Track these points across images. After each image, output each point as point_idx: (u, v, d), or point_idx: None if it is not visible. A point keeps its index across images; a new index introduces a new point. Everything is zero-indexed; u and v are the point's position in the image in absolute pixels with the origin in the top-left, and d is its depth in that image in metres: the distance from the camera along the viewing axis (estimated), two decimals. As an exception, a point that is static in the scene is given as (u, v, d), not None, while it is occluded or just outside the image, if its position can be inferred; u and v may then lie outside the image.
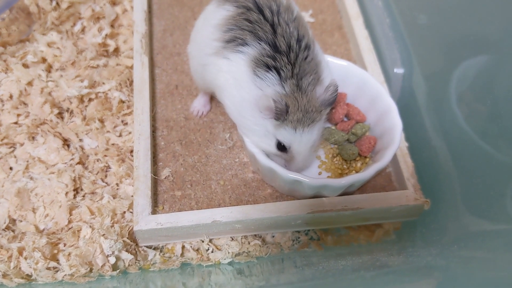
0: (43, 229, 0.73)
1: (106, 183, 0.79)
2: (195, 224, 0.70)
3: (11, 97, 0.85)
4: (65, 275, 0.67)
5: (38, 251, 0.67)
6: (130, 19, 0.95)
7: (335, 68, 0.81)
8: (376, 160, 0.74)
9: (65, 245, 0.70)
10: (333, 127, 0.80)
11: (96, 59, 0.89)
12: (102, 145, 0.81)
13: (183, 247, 0.74)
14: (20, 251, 0.68)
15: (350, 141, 0.78)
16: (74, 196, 0.76)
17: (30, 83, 0.86)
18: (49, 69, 0.89)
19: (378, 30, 0.97)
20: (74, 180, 0.77)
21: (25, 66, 0.88)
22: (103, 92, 0.86)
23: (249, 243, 0.74)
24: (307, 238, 0.77)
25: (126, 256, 0.69)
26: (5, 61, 0.89)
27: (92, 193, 0.77)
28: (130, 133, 0.83)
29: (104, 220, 0.71)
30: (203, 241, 0.74)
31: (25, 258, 0.68)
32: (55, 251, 0.69)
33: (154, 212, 0.72)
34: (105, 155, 0.80)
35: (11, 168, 0.80)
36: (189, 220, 0.71)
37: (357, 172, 0.76)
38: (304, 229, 0.77)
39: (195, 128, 0.83)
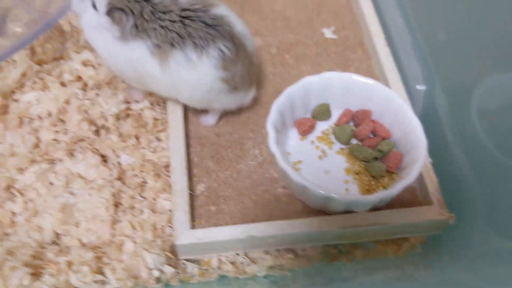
0: (86, 243, 0.77)
1: (143, 197, 0.82)
2: (231, 239, 0.74)
3: (49, 114, 0.89)
4: (112, 288, 0.71)
5: (86, 265, 0.71)
6: (160, 37, 0.98)
7: (360, 86, 0.85)
8: (402, 177, 0.77)
9: (109, 259, 0.74)
10: (360, 144, 0.83)
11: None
12: (138, 161, 0.85)
13: (219, 260, 0.78)
14: (69, 264, 0.72)
15: (376, 157, 0.82)
16: (115, 211, 0.79)
17: (67, 101, 0.89)
18: (84, 87, 0.92)
19: (399, 47, 1.00)
20: (114, 195, 0.80)
21: (62, 84, 0.92)
22: (138, 110, 0.89)
23: (282, 257, 0.78)
24: (337, 251, 0.80)
25: (168, 270, 0.72)
26: (42, 79, 0.92)
27: (131, 207, 0.80)
28: (164, 149, 0.87)
29: (145, 234, 0.74)
30: (238, 255, 0.77)
31: (74, 272, 0.71)
32: (100, 265, 0.73)
33: (192, 226, 0.76)
34: (142, 171, 0.84)
35: (51, 184, 0.83)
36: (225, 235, 0.74)
37: (384, 187, 0.79)
38: (334, 243, 0.80)
39: (226, 144, 0.87)
